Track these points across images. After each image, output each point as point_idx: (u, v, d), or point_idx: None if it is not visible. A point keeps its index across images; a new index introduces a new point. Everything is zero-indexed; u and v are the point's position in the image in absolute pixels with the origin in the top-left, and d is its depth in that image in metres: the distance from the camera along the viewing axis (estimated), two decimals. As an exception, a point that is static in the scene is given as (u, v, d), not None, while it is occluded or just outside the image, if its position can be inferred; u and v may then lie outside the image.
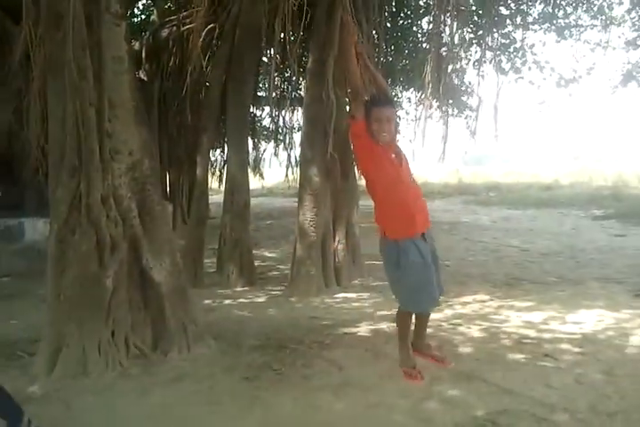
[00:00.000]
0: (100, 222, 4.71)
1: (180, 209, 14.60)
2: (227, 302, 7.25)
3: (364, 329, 5.62)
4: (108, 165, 4.84)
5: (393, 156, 3.63)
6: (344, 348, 4.97)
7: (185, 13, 10.86)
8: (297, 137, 14.44)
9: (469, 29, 11.20)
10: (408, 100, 15.89)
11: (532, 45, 12.70)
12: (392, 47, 12.98)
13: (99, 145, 4.78)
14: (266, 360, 4.67)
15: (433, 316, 6.07)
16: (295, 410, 3.76)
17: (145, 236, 4.99)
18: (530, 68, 12.71)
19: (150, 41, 11.63)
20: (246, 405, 3.85)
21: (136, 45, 11.20)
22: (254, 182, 13.74)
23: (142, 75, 11.63)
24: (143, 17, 15.38)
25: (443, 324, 5.70)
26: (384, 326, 5.67)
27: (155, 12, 13.43)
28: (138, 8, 14.92)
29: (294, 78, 12.56)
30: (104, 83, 4.85)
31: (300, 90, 12.87)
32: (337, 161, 8.20)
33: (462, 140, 11.82)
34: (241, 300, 7.36)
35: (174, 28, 11.03)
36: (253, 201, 9.88)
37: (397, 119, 3.76)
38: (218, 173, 15.56)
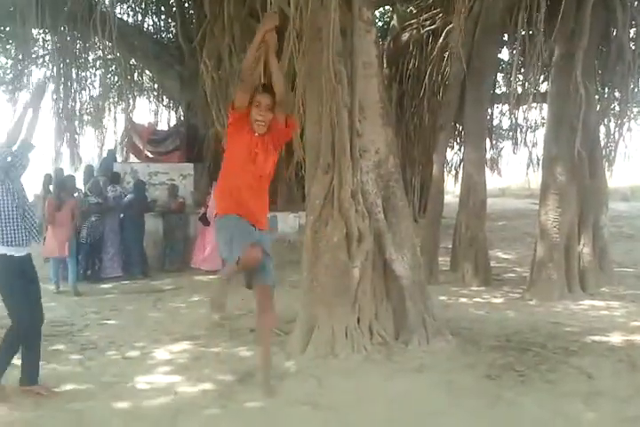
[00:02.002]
0: (349, 216, 5.06)
1: (412, 207, 14.86)
2: (462, 300, 7.25)
3: (615, 339, 5.19)
4: (357, 163, 5.18)
5: (256, 151, 3.67)
6: (593, 356, 4.65)
7: (425, 16, 11.10)
8: (536, 135, 13.75)
9: None
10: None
11: None
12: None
13: (350, 144, 5.15)
14: (507, 361, 4.59)
15: None
16: (541, 414, 3.64)
17: (388, 230, 5.25)
18: None
19: (391, 45, 12.08)
20: (488, 402, 3.83)
21: (379, 50, 11.73)
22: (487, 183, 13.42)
23: (384, 79, 12.14)
24: (381, 23, 15.95)
25: None
26: (640, 337, 5.18)
27: (395, 17, 13.88)
28: (376, 15, 15.54)
29: (532, 74, 12.00)
30: (356, 86, 5.22)
31: (539, 86, 12.24)
32: (585, 159, 7.68)
33: None
34: (477, 299, 7.29)
35: (414, 31, 11.32)
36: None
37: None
38: (453, 171, 15.50)
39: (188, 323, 6.06)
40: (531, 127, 13.59)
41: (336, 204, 5.10)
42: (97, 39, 10.39)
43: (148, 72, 15.04)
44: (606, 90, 9.24)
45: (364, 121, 5.29)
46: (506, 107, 13.73)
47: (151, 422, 3.60)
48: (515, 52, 9.21)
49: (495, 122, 14.89)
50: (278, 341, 5.28)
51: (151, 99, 16.21)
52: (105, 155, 12.64)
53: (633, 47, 8.30)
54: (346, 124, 5.14)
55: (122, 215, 9.08)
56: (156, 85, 15.73)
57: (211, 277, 8.94)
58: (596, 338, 5.22)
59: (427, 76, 10.61)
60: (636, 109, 12.51)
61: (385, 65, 12.10)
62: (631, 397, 3.85)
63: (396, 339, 5.04)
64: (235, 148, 3.76)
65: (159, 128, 13.65)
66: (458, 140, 14.40)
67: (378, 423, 3.57)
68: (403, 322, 5.12)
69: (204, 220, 9.54)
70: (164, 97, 15.63)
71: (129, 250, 9.02)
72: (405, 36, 12.00)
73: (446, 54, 11.36)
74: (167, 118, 15.54)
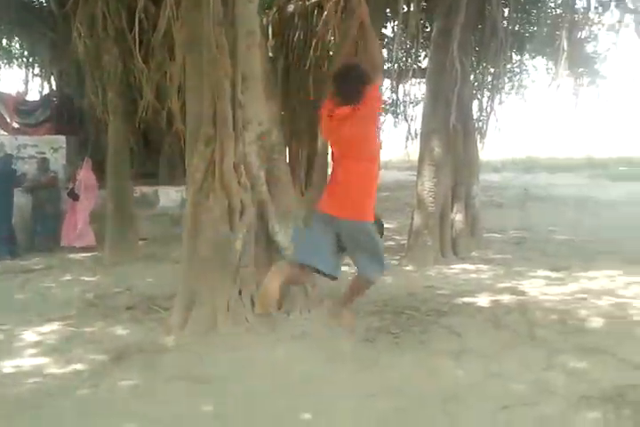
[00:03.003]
0: (231, 188, 4.98)
1: (299, 180, 14.92)
2: (344, 268, 7.29)
3: (483, 300, 5.56)
4: (239, 134, 5.09)
5: None
6: (462, 317, 4.97)
7: (311, -13, 10.97)
8: (415, 109, 14.21)
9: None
10: (535, 69, 15.04)
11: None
12: (521, 14, 12.30)
13: (232, 115, 5.03)
14: (384, 325, 4.80)
15: (556, 290, 5.92)
16: (414, 373, 3.84)
17: (271, 202, 5.23)
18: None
19: (276, 17, 11.86)
20: (366, 364, 4.00)
21: (263, 21, 11.50)
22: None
23: (269, 50, 11.93)
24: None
25: (567, 298, 5.52)
26: (505, 297, 5.59)
27: (280, -13, 13.62)
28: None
29: (414, 50, 12.34)
30: (238, 56, 5.08)
31: (420, 62, 12.62)
32: (459, 132, 8.06)
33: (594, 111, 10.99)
34: (358, 267, 7.48)
35: (300, 3, 11.17)
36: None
37: None
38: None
39: (60, 303, 5.76)
40: (412, 102, 14.04)
41: (218, 176, 4.99)
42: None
43: (17, 38, 13.79)
44: (481, 65, 9.70)
45: (247, 92, 5.16)
46: (388, 81, 14.09)
47: (17, 406, 3.42)
48: (397, 27, 9.38)
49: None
50: (158, 317, 5.18)
51: (21, 67, 14.92)
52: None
53: (505, 25, 8.76)
54: (228, 95, 5.00)
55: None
56: (25, 52, 14.47)
57: (84, 254, 8.50)
58: (466, 299, 5.56)
59: (312, 49, 10.56)
60: (508, 85, 13.29)
61: (271, 37, 11.93)
62: (496, 353, 4.14)
63: (279, 309, 5.07)
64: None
65: (29, 98, 12.63)
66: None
67: (257, 393, 3.61)
68: (285, 292, 5.15)
69: (73, 194, 8.99)
70: (35, 65, 14.44)
71: (-5, 228, 8.35)
72: (291, 8, 11.84)
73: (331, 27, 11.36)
74: (38, 88, 14.40)
